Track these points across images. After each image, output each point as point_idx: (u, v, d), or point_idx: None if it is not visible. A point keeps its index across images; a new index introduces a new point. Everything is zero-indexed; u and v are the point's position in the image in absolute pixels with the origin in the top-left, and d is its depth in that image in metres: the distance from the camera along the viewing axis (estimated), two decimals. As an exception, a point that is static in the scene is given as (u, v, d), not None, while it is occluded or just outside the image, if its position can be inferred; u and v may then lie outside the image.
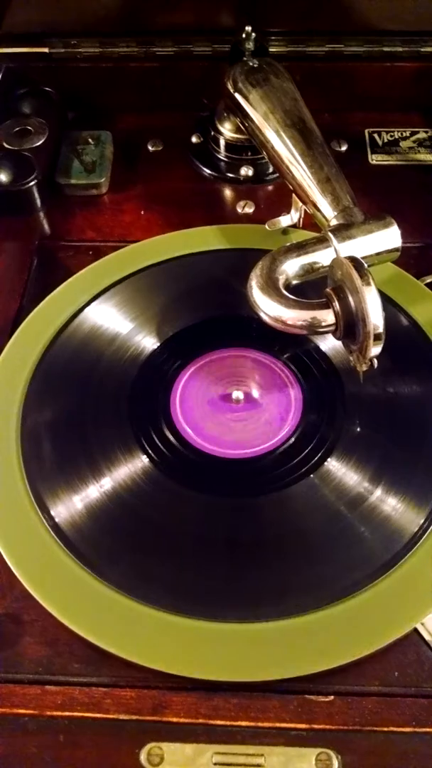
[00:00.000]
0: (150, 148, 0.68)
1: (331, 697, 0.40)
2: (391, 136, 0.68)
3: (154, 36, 0.68)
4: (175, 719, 0.39)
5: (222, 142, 0.66)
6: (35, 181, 0.61)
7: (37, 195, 0.62)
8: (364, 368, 0.45)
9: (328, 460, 0.47)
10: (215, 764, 0.38)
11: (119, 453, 0.47)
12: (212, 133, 0.66)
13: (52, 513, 0.45)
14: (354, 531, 0.44)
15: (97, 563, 0.43)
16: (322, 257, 0.49)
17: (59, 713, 0.39)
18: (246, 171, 0.65)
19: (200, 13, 0.66)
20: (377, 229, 0.50)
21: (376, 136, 0.68)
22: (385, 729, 0.39)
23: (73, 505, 0.45)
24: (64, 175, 0.64)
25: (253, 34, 0.62)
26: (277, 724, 0.39)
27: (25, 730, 0.39)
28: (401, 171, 0.66)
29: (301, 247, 0.49)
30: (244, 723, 0.39)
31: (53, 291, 0.55)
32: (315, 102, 0.58)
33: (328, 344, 0.52)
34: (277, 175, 0.60)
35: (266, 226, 0.56)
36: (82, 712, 0.39)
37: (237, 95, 0.59)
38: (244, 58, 0.61)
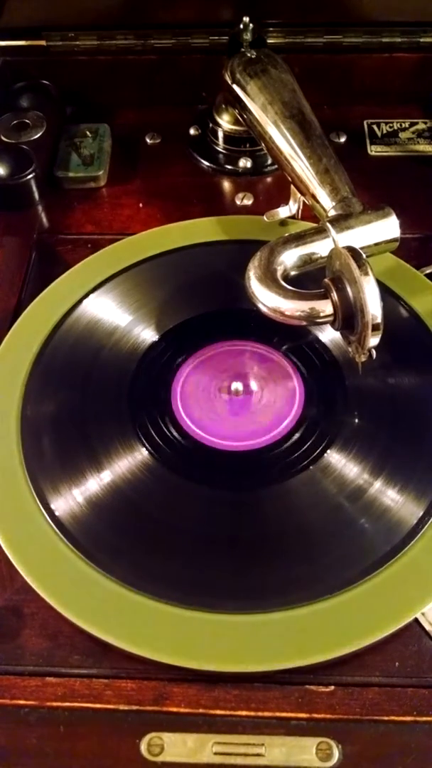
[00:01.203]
0: (148, 141, 0.68)
1: (332, 688, 0.40)
2: (390, 127, 0.68)
3: (152, 29, 0.68)
4: (175, 709, 0.39)
5: (220, 134, 0.66)
6: (33, 174, 0.61)
7: (35, 188, 0.62)
8: (363, 359, 0.45)
9: (329, 452, 0.47)
10: (215, 754, 0.38)
11: (119, 445, 0.47)
12: (211, 125, 0.66)
13: (53, 506, 0.45)
14: (354, 523, 0.44)
15: (97, 555, 0.43)
16: (321, 248, 0.49)
17: (59, 704, 0.39)
18: (244, 163, 0.65)
19: (198, 6, 0.66)
20: (376, 219, 0.49)
21: (375, 127, 0.68)
22: (386, 719, 0.39)
23: (73, 497, 0.45)
24: (62, 169, 0.64)
25: (251, 26, 0.62)
26: (278, 714, 0.39)
27: (26, 722, 0.39)
28: (400, 162, 0.66)
29: (299, 238, 0.49)
30: (244, 713, 0.39)
31: (52, 284, 0.55)
32: (314, 94, 0.57)
33: (328, 336, 0.52)
34: (276, 166, 0.60)
35: (264, 218, 0.56)
36: (83, 702, 0.39)
37: (235, 86, 0.58)
38: (242, 50, 0.61)
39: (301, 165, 0.53)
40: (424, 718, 0.39)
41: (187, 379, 0.51)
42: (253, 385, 0.50)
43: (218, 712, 0.39)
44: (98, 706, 0.39)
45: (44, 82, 0.69)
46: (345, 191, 0.51)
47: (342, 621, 0.41)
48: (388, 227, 0.50)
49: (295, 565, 0.43)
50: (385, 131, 0.68)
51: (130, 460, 0.47)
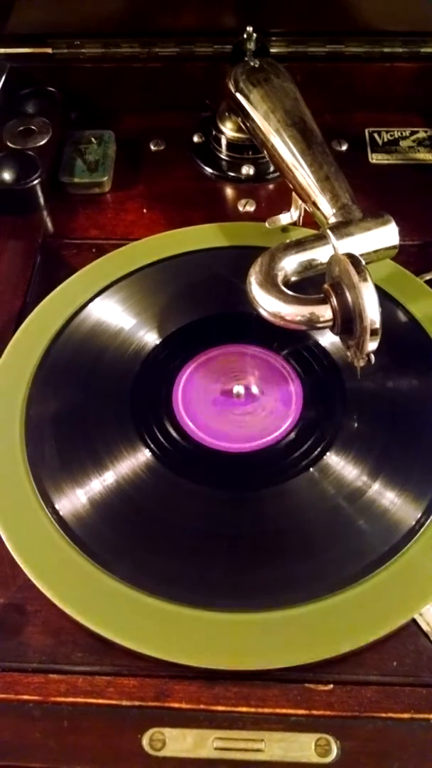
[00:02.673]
0: (152, 147, 0.69)
1: (331, 686, 0.40)
2: (391, 135, 0.69)
3: (156, 37, 0.69)
4: (176, 705, 0.40)
5: (223, 142, 0.66)
6: (38, 179, 0.62)
7: (40, 193, 0.63)
8: (362, 364, 0.46)
9: (328, 453, 0.47)
10: (216, 749, 0.38)
11: (122, 447, 0.48)
12: (214, 132, 0.67)
13: (56, 506, 0.46)
14: (353, 523, 0.45)
15: (100, 554, 0.44)
16: (321, 254, 0.50)
17: (63, 699, 0.40)
18: (247, 170, 0.65)
19: (202, 14, 0.67)
20: (375, 226, 0.50)
21: (376, 135, 0.69)
22: (384, 715, 0.39)
23: (76, 497, 0.46)
24: (67, 174, 0.65)
25: (255, 35, 0.63)
26: (277, 711, 0.39)
27: (30, 717, 0.40)
28: (401, 170, 0.66)
29: (299, 244, 0.50)
30: (244, 709, 0.39)
31: (56, 288, 0.56)
32: (316, 102, 0.58)
33: (328, 340, 0.53)
34: (278, 173, 0.60)
35: (266, 224, 0.57)
36: (86, 698, 0.40)
37: (238, 95, 0.59)
38: (246, 59, 0.61)
39: (302, 172, 0.53)
40: (421, 716, 0.39)
41: (189, 382, 0.51)
42: (254, 388, 0.51)
43: (219, 708, 0.40)
44: (101, 701, 0.40)
45: (50, 88, 0.69)
46: (345, 199, 0.52)
47: (340, 620, 0.41)
48: (387, 234, 0.50)
49: (295, 565, 0.43)
50: (385, 139, 0.68)
51: (132, 461, 0.47)
